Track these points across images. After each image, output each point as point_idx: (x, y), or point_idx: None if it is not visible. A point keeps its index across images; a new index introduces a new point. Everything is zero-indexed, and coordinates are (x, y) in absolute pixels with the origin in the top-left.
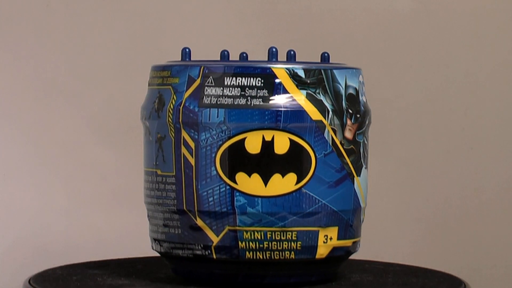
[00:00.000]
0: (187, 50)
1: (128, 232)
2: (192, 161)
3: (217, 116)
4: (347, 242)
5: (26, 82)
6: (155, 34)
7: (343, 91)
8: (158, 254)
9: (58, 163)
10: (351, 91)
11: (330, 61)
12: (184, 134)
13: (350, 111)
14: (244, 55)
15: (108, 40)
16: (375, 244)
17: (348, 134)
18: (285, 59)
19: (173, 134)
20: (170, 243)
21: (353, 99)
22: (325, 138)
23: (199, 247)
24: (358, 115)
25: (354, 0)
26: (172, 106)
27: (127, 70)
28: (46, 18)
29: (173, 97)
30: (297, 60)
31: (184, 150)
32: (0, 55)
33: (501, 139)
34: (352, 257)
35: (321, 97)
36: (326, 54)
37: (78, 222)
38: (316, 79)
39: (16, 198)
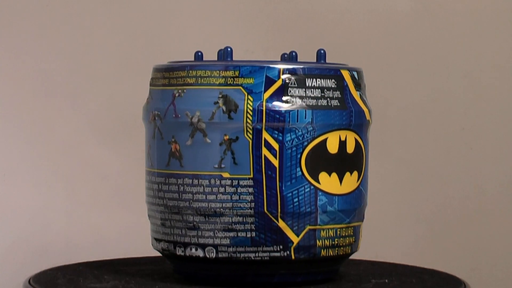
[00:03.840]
0: (228, 49)
1: (128, 232)
2: (275, 162)
3: (305, 117)
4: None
5: (26, 82)
6: (155, 34)
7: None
8: (159, 254)
9: (58, 163)
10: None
11: (330, 61)
12: (265, 135)
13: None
14: (199, 53)
15: (108, 40)
16: (375, 244)
17: None
18: (282, 59)
19: (250, 136)
20: (237, 247)
21: None
22: (367, 136)
23: (278, 249)
24: None
25: (354, 0)
26: (250, 107)
27: (127, 70)
28: (46, 18)
29: (248, 98)
30: (300, 60)
31: (265, 152)
32: (0, 55)
33: (501, 139)
34: (352, 257)
35: (364, 98)
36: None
37: (78, 222)
38: (361, 80)
39: (16, 198)
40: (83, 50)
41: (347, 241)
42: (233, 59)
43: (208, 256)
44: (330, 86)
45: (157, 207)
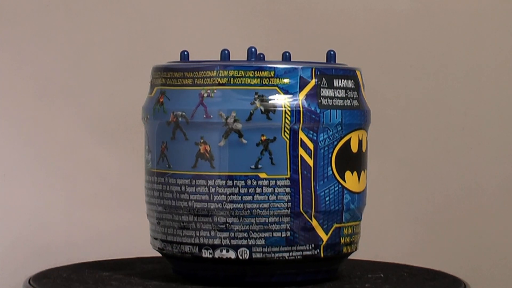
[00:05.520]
0: (253, 49)
1: (128, 232)
2: (310, 162)
3: (336, 117)
4: None
5: (26, 82)
6: (155, 34)
7: None
8: (159, 254)
9: (58, 163)
10: None
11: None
12: (302, 135)
13: None
14: (186, 53)
15: (108, 40)
16: (375, 244)
17: None
18: (280, 59)
19: (288, 136)
20: (272, 247)
21: None
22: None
23: (310, 247)
24: None
25: (354, 0)
26: (288, 107)
27: (127, 70)
28: (46, 18)
29: (284, 98)
30: (295, 60)
31: (302, 152)
32: (0, 55)
33: (501, 139)
34: (352, 257)
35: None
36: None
37: (78, 222)
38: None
39: (16, 198)
40: (82, 50)
41: (357, 238)
42: (232, 59)
43: (241, 257)
44: (350, 86)
45: (177, 210)
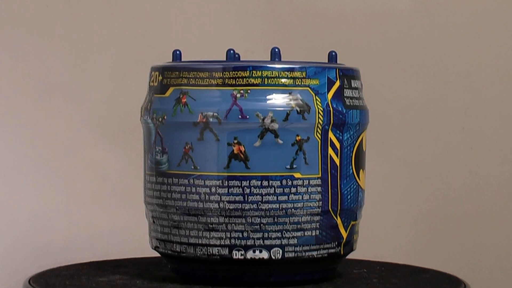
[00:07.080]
0: (276, 50)
1: (128, 232)
2: (337, 161)
3: (357, 117)
4: None
5: (26, 82)
6: (155, 34)
7: None
8: (158, 254)
9: (58, 163)
10: None
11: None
12: (331, 135)
13: None
14: (178, 52)
15: (107, 40)
16: (375, 244)
17: None
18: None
19: (320, 136)
20: (303, 246)
21: None
22: None
23: (334, 245)
24: None
25: (354, 0)
26: (320, 108)
27: (127, 70)
28: (46, 18)
29: (315, 99)
30: (293, 59)
31: (331, 151)
32: (0, 55)
33: (501, 139)
34: (352, 256)
35: None
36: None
37: (78, 222)
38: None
39: (16, 198)
40: (82, 50)
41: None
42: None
43: (273, 257)
44: (360, 87)
45: (205, 211)
